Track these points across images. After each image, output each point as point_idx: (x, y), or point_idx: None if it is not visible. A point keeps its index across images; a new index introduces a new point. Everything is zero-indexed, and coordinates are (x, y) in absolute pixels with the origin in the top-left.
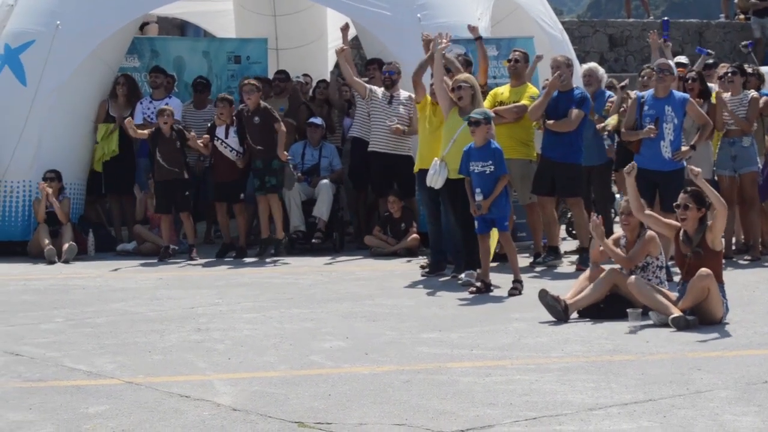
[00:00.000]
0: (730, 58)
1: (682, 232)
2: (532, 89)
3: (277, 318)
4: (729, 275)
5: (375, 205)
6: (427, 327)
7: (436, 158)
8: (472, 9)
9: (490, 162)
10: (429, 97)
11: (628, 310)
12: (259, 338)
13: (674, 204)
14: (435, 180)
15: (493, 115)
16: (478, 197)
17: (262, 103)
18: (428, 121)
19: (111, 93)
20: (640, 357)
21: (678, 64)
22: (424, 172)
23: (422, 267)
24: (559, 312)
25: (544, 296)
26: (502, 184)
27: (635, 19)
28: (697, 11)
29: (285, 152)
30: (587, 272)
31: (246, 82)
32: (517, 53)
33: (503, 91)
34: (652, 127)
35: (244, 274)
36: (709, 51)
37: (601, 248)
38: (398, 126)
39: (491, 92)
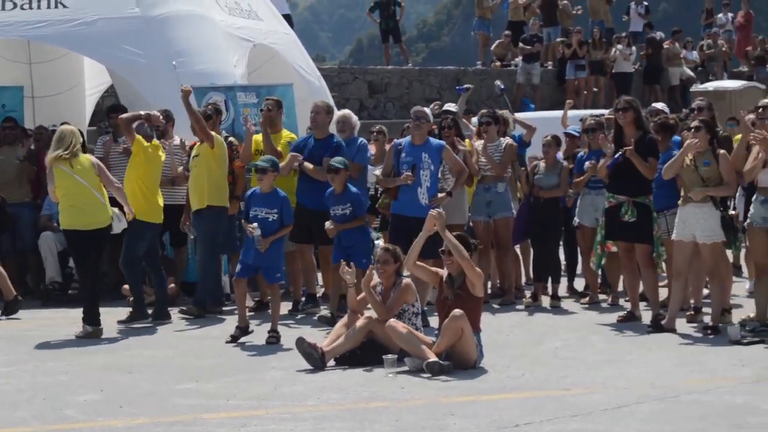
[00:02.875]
0: (487, 104)
1: (446, 275)
2: (287, 135)
3: (32, 371)
4: (484, 319)
5: None
6: (184, 377)
7: (114, 208)
8: (228, 56)
9: (275, 210)
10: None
11: (384, 356)
12: (12, 392)
13: (440, 249)
14: (117, 228)
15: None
16: (256, 232)
17: None
18: (200, 162)
19: None
20: (395, 403)
21: (447, 112)
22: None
23: (182, 312)
24: (316, 360)
25: (301, 344)
26: (283, 232)
27: (394, 66)
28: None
29: None
30: (344, 319)
31: None
32: (269, 101)
33: (260, 138)
34: (410, 173)
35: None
36: (468, 86)
37: (359, 296)
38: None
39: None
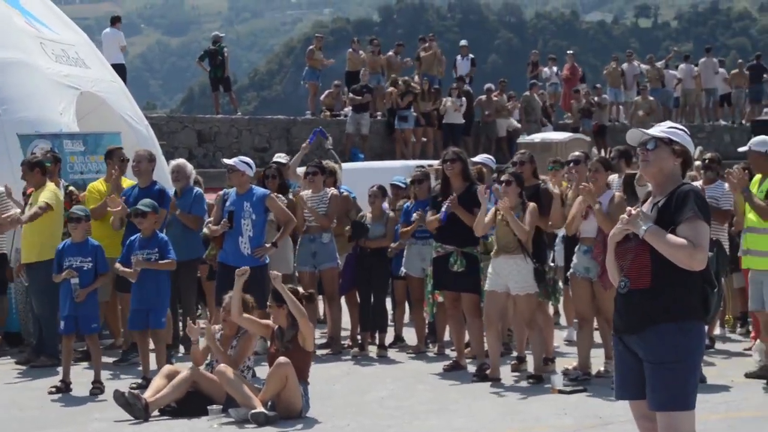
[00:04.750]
0: (317, 154)
1: (276, 327)
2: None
3: None
4: (311, 369)
5: None
6: (6, 430)
7: None
8: (54, 103)
9: (90, 259)
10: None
11: (208, 407)
12: None
13: (267, 303)
14: None
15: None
16: (75, 279)
17: None
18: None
19: None
20: None
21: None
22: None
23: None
24: (139, 410)
25: (119, 398)
26: (99, 281)
27: (224, 115)
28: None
29: None
30: (165, 370)
31: None
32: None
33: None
34: (225, 221)
35: None
36: (328, 136)
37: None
38: None
39: (89, 186)
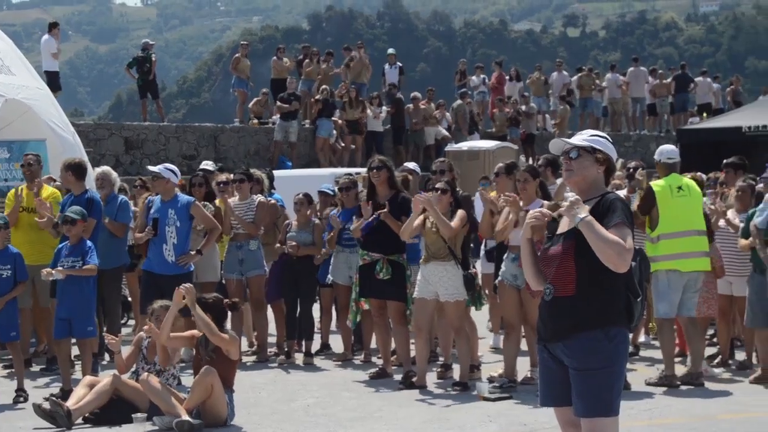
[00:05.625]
0: (245, 162)
1: (201, 336)
2: (51, 191)
3: None
4: (237, 376)
5: None
6: None
7: None
8: None
9: (9, 266)
10: None
11: (133, 415)
12: None
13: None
14: None
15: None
16: None
17: None
18: None
19: None
20: None
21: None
22: None
23: None
24: (62, 417)
25: (38, 409)
26: (18, 290)
27: (151, 122)
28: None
29: None
30: (86, 380)
31: None
32: (30, 156)
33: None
34: (150, 228)
35: None
36: None
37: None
38: None
39: (9, 194)
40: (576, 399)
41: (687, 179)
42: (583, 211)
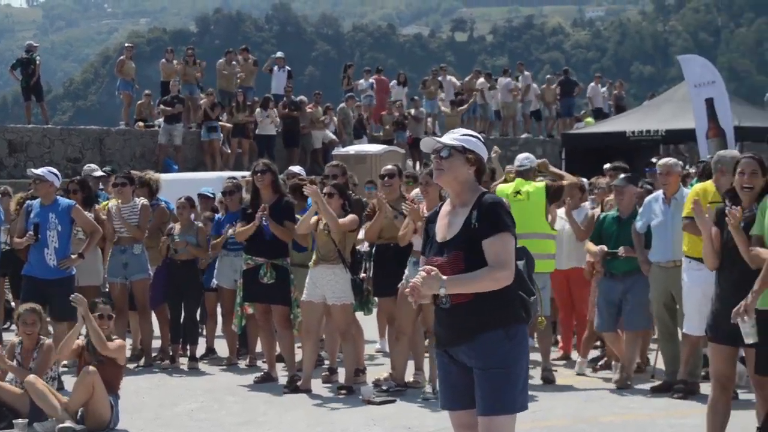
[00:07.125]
0: (131, 165)
1: (86, 342)
2: None
3: None
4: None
5: None
6: None
7: None
8: None
9: None
10: None
11: (14, 421)
12: None
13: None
14: None
15: None
16: None
17: None
18: None
19: None
20: None
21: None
22: None
23: None
24: None
25: None
26: None
27: (35, 125)
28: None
29: None
30: None
31: None
32: None
33: None
34: (31, 233)
35: None
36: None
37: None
38: None
39: None
40: (480, 398)
41: (537, 185)
42: (438, 282)
